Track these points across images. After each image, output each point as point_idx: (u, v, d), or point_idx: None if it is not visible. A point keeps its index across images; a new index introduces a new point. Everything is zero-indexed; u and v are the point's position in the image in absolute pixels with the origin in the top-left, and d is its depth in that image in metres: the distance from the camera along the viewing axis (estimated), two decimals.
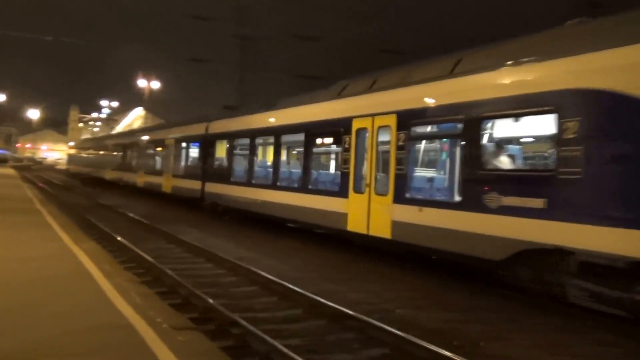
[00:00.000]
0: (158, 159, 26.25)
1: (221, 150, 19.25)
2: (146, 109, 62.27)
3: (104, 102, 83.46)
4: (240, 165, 17.65)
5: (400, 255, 10.65)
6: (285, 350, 5.41)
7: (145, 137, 28.98)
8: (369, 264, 11.11)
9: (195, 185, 20.19)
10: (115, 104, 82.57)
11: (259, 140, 16.63)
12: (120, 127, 72.73)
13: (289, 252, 12.52)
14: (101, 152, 39.81)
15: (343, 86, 13.06)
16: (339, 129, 12.07)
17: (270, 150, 15.67)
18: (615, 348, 6.35)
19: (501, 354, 6.10)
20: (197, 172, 20.58)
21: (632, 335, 6.60)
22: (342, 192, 11.72)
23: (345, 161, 11.82)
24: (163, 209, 22.13)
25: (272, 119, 15.56)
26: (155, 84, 56.16)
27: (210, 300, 7.25)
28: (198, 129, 21.43)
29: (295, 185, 13.96)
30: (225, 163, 18.69)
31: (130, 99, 64.02)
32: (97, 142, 46.09)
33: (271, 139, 15.53)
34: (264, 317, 7.07)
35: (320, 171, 14.12)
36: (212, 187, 18.92)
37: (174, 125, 26.25)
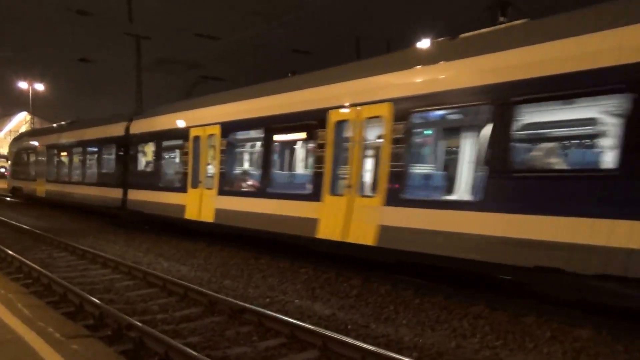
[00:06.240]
0: None
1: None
2: (32, 113, 57.17)
3: None
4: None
5: (297, 249, 11.00)
6: (183, 348, 5.51)
7: None
8: (268, 259, 11.31)
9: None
10: None
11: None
12: (2, 134, 66.67)
13: (190, 254, 12.45)
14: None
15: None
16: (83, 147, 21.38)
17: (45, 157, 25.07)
18: (487, 320, 7.10)
19: (389, 332, 6.63)
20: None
21: (501, 309, 7.40)
22: (36, 178, 24.90)
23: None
24: None
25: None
26: (39, 86, 51.71)
27: (106, 306, 7.11)
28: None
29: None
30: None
31: (12, 102, 58.24)
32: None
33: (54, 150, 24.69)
34: (163, 318, 7.08)
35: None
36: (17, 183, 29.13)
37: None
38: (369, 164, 9.55)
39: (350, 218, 9.10)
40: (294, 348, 6.04)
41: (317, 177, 9.91)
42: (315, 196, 9.84)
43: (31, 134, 31.50)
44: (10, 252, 11.32)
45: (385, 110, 8.74)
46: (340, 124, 9.63)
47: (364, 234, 8.80)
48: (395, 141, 8.53)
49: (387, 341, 6.32)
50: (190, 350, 5.47)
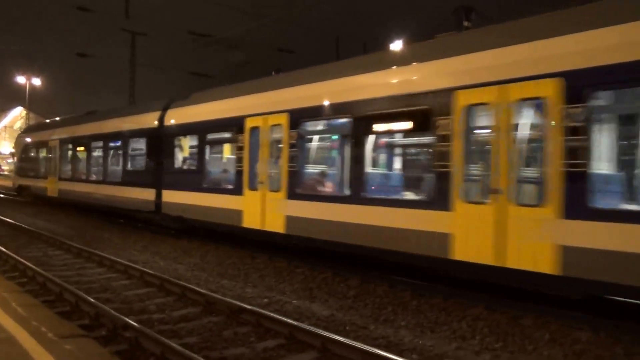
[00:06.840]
0: None
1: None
2: (28, 108, 56.98)
3: None
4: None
5: (296, 248, 10.92)
6: (179, 348, 5.44)
7: None
8: (264, 259, 11.21)
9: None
10: None
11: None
12: None
13: (186, 252, 12.35)
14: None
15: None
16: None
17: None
18: (486, 322, 7.04)
19: (388, 334, 6.56)
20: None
21: (499, 310, 7.34)
22: (47, 176, 23.32)
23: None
24: None
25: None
26: (37, 81, 51.49)
27: (102, 305, 7.02)
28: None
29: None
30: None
31: (7, 98, 58.21)
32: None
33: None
34: (159, 317, 7.00)
35: None
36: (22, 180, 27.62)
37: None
38: (526, 161, 7.54)
39: (506, 235, 7.02)
40: (293, 349, 5.97)
41: (440, 179, 7.78)
42: (440, 203, 7.75)
43: (41, 126, 28.74)
44: (5, 250, 11.21)
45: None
46: (475, 108, 7.57)
47: (534, 258, 6.72)
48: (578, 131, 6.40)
49: (386, 343, 6.26)
50: (186, 351, 5.40)
